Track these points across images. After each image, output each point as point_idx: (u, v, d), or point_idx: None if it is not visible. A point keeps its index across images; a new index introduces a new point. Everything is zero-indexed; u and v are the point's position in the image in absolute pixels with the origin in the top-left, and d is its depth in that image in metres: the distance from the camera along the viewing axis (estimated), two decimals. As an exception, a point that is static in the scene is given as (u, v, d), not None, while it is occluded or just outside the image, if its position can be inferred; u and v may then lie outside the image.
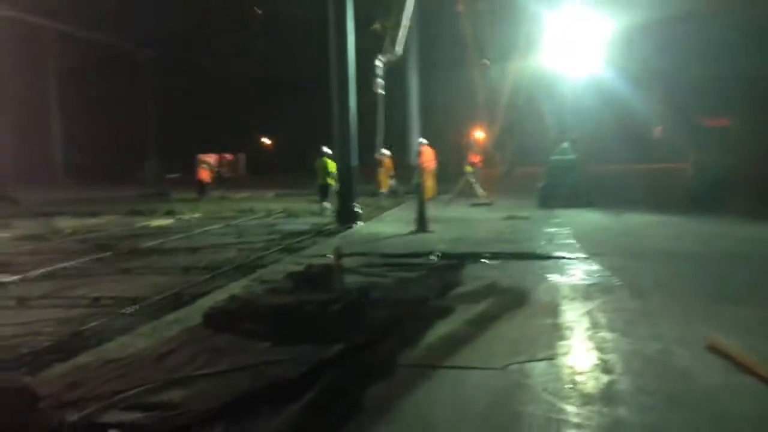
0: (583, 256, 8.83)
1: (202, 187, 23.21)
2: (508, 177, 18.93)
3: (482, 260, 8.68)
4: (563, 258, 8.73)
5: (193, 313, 6.12)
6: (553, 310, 5.90)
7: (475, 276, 7.65)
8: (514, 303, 6.25)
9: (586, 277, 7.44)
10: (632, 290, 6.66)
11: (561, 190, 16.48)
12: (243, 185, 32.97)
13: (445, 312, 5.94)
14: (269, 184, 31.68)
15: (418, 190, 13.19)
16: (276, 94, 41.23)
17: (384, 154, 18.89)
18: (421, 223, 12.18)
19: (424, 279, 7.54)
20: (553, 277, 7.47)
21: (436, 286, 7.09)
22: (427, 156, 20.78)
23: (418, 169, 15.91)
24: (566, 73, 16.32)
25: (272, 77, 40.86)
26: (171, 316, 6.25)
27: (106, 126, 39.59)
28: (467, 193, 19.61)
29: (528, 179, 19.72)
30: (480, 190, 18.74)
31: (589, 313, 5.81)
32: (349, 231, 13.13)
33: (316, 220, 16.01)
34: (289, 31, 35.31)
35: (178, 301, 7.15)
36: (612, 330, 5.22)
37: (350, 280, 7.41)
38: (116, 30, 33.85)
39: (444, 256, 9.06)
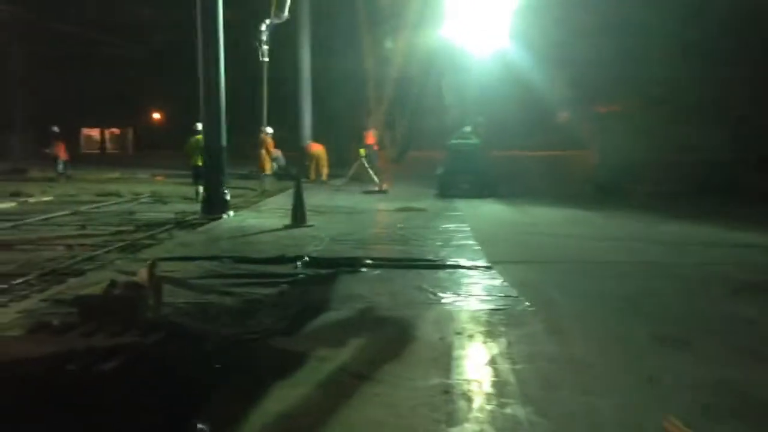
0: (485, 264, 7.18)
1: (58, 165, 20.49)
2: (400, 161, 17.22)
3: (361, 269, 6.90)
4: (461, 267, 7.04)
5: None
6: (444, 360, 4.15)
7: (348, 294, 5.84)
8: (392, 346, 4.45)
9: (489, 298, 5.77)
10: (548, 321, 5.03)
11: (462, 178, 14.96)
12: (121, 163, 29.82)
13: (292, 361, 4.08)
14: (153, 162, 28.68)
15: (295, 177, 11.27)
16: (164, 65, 37.63)
17: (266, 132, 16.68)
18: (298, 216, 10.24)
19: (277, 299, 5.66)
20: (448, 298, 5.75)
21: (292, 311, 5.23)
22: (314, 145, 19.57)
23: (306, 153, 14.16)
24: (470, 46, 14.70)
25: (161, 45, 37.18)
26: None
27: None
28: (361, 178, 17.82)
29: (427, 164, 18.10)
30: (375, 176, 16.93)
31: (493, 363, 4.11)
32: (214, 222, 11.00)
33: (185, 206, 13.82)
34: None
35: None
36: (526, 401, 3.49)
37: (179, 298, 5.44)
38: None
39: (314, 261, 7.18)
